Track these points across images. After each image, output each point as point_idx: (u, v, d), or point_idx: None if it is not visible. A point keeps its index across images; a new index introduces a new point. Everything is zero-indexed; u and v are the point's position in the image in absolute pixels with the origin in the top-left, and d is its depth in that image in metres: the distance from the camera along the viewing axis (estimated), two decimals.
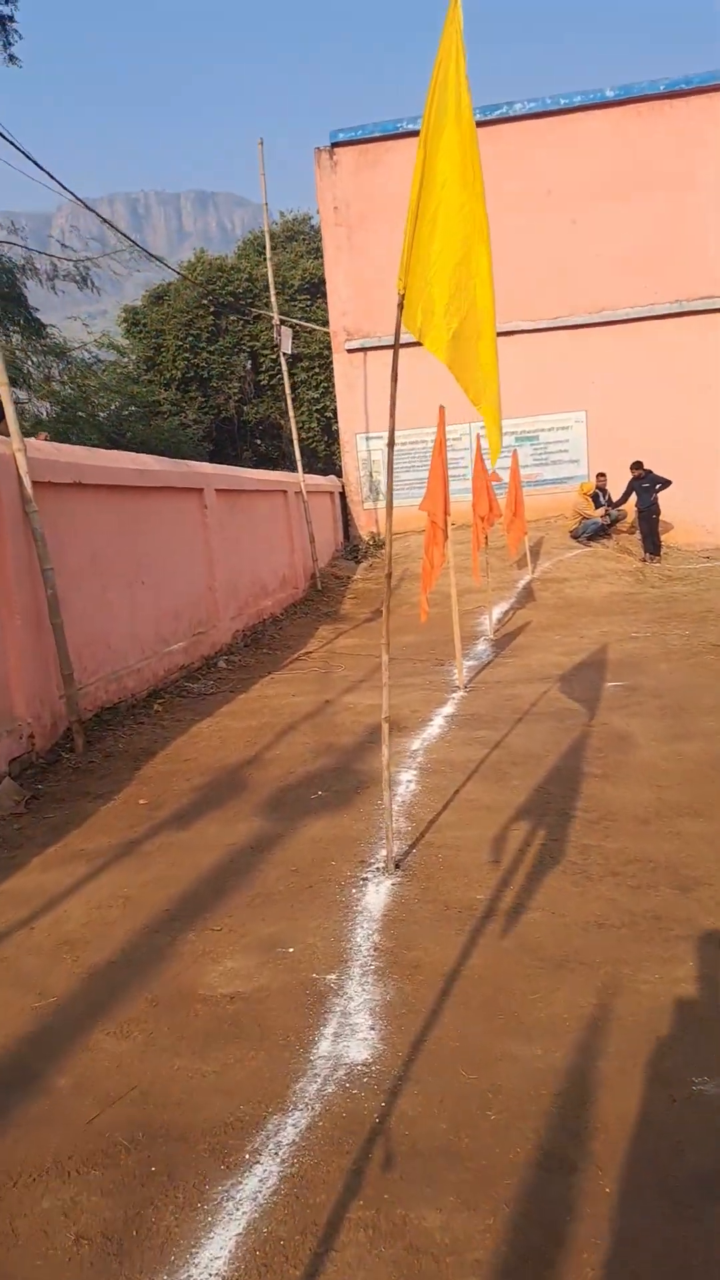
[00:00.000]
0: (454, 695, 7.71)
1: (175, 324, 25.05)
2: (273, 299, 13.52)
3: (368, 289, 17.36)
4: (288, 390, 13.96)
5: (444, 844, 4.55)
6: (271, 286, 13.47)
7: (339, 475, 18.24)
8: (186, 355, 24.63)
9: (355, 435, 17.81)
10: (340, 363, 17.71)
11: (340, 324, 17.55)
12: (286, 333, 13.47)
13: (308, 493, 15.03)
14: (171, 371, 24.92)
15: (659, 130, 16.23)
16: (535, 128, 16.57)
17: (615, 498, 16.18)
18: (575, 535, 15.96)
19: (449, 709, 7.24)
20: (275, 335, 13.36)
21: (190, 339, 24.60)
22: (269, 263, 13.61)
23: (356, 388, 17.62)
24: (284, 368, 13.78)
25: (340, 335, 17.57)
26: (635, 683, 7.71)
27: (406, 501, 18.27)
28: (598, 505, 16.06)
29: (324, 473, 19.30)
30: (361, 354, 17.49)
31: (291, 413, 14.25)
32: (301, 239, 28.85)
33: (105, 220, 12.81)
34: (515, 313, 16.99)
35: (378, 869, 4.29)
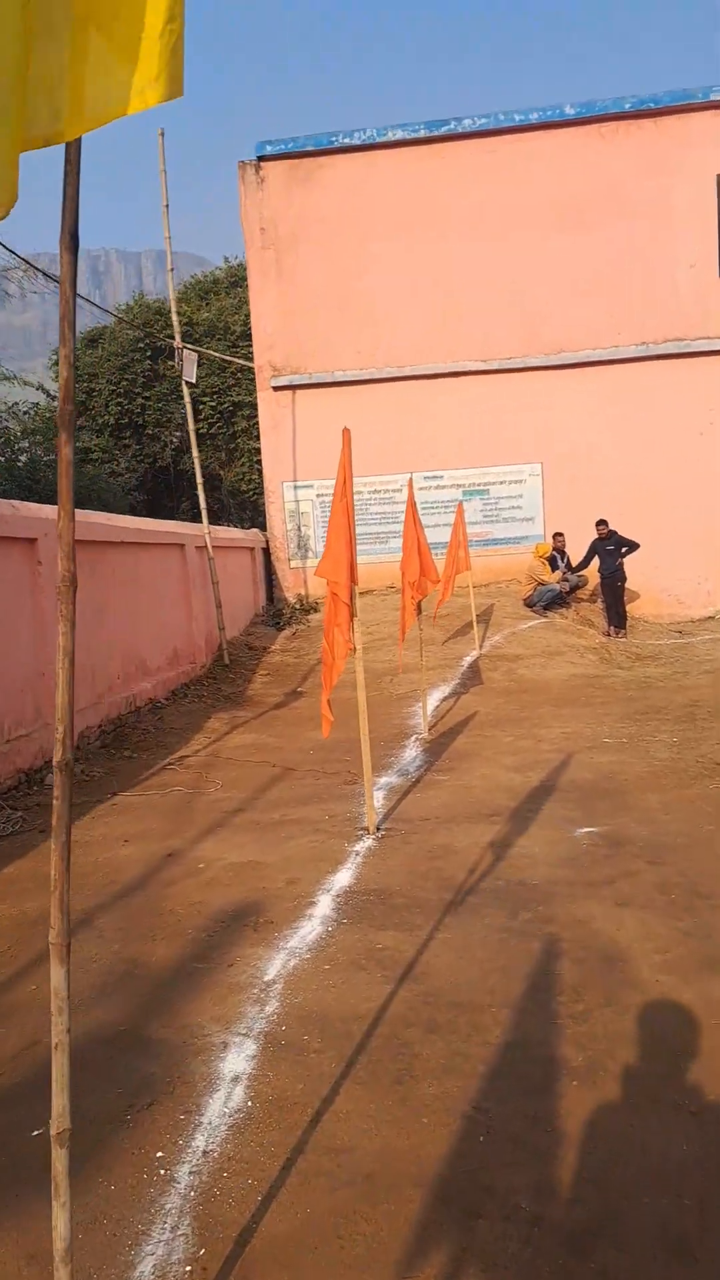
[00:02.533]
0: (358, 846, 5.32)
1: (110, 368, 23.40)
2: (174, 317, 11.31)
3: (297, 319, 15.29)
4: (190, 422, 11.71)
5: None
6: (172, 301, 11.26)
7: (264, 529, 15.97)
8: (120, 400, 22.97)
9: (281, 483, 15.59)
10: (266, 402, 15.54)
11: (265, 358, 15.43)
12: (190, 357, 11.28)
13: (222, 548, 12.71)
14: (104, 417, 23.25)
15: (625, 153, 14.50)
16: (487, 146, 14.76)
17: (575, 561, 14.10)
18: (530, 603, 13.81)
19: (345, 877, 4.83)
20: (176, 361, 11.13)
21: (124, 383, 22.89)
22: (169, 277, 11.41)
23: (283, 429, 15.45)
24: (186, 396, 11.53)
25: (265, 371, 15.44)
26: (617, 829, 5.39)
27: None
28: (555, 569, 13.96)
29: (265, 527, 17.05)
30: (290, 392, 15.35)
31: (196, 451, 11.99)
32: (245, 286, 27.28)
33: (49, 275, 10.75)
34: (465, 351, 15.02)
35: None
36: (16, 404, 22.65)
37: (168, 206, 11.56)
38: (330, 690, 5.32)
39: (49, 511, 7.05)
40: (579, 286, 14.83)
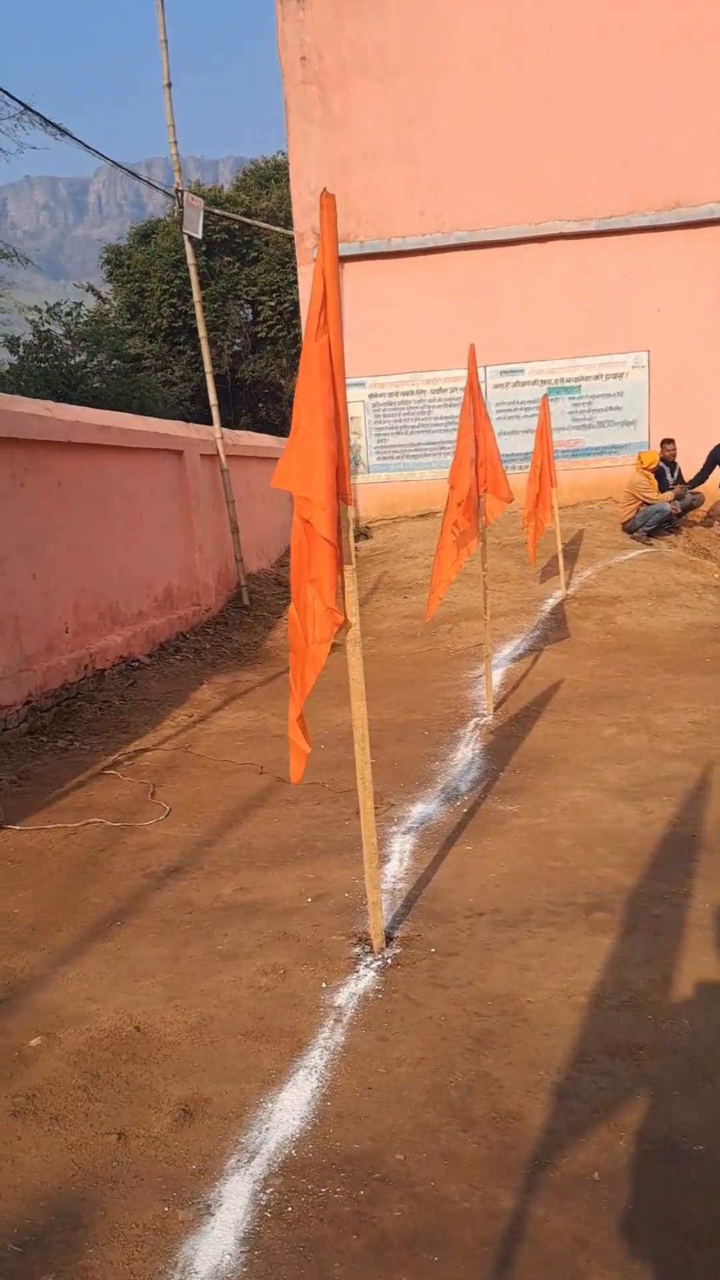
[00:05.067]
0: (342, 996, 2.86)
1: (161, 265, 20.99)
2: (171, 147, 8.59)
3: (346, 173, 12.40)
4: (196, 289, 9.09)
5: None
6: (168, 107, 8.45)
7: None
8: (173, 302, 20.61)
9: None
10: (307, 279, 12.78)
11: (307, 222, 12.62)
12: (195, 204, 8.66)
13: (244, 458, 10.24)
14: (157, 320, 20.99)
15: None
16: None
17: (689, 475, 11.20)
18: (632, 529, 11.02)
19: (295, 1110, 2.38)
20: (175, 208, 8.53)
21: (178, 282, 20.50)
22: (167, 105, 8.65)
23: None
24: (189, 258, 8.90)
25: (306, 239, 12.64)
26: None
27: (399, 475, 13.48)
28: (664, 486, 11.10)
29: None
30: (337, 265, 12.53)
31: (201, 320, 9.40)
32: None
33: (142, 179, 8.31)
34: (552, 210, 11.98)
35: None
36: (59, 304, 20.52)
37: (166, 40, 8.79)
38: (303, 699, 2.87)
39: None
40: (698, 125, 11.58)
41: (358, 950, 3.01)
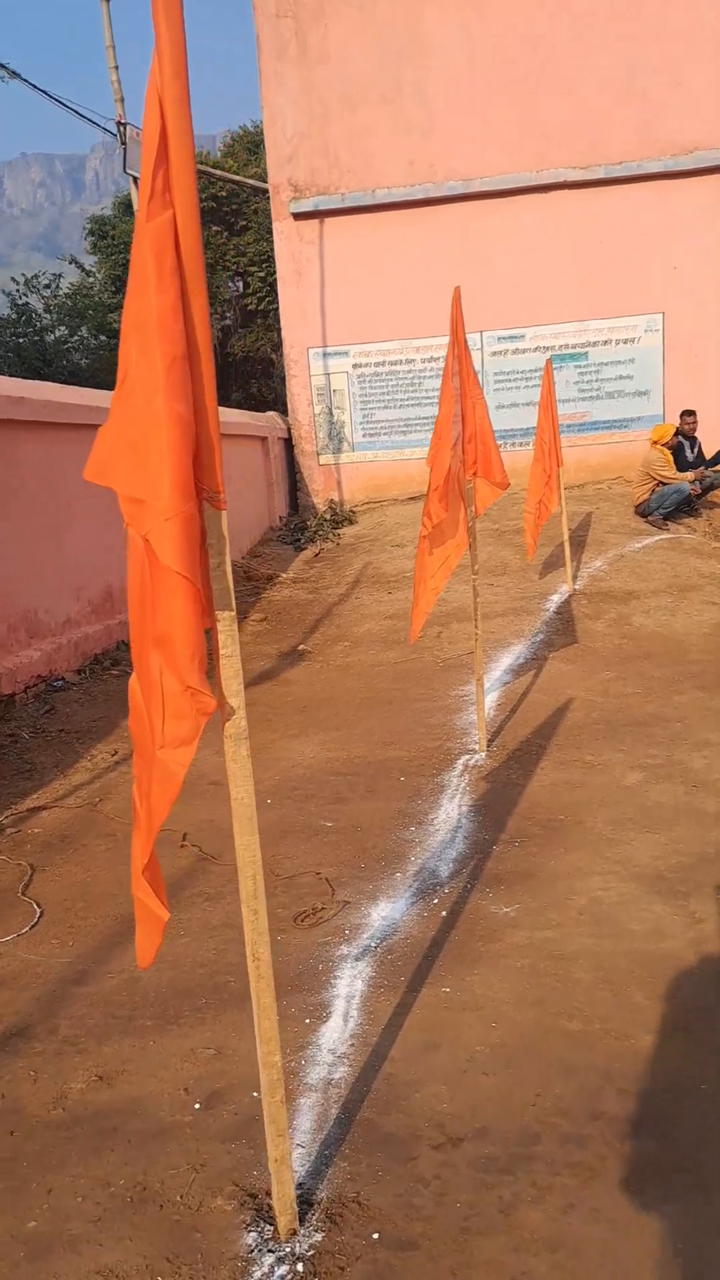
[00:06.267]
0: None
1: None
2: (111, 69, 7.30)
3: (326, 118, 11.11)
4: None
5: None
6: (107, 28, 7.15)
7: (285, 413, 12.14)
8: None
9: (306, 350, 11.67)
10: (284, 236, 11.51)
11: (283, 174, 11.33)
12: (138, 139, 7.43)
13: (227, 435, 9.01)
14: None
15: None
16: None
17: (710, 450, 9.99)
18: (646, 512, 9.82)
19: None
20: (118, 147, 7.30)
21: None
22: (106, 29, 7.36)
23: (308, 274, 11.44)
24: (133, 196, 7.68)
25: (283, 191, 11.36)
26: None
27: (386, 453, 12.23)
28: (682, 464, 9.89)
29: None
30: (316, 221, 11.29)
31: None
32: None
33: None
34: (556, 156, 10.71)
35: None
36: (36, 276, 19.51)
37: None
38: (151, 836, 1.67)
39: None
40: (716, 60, 10.29)
41: (251, 1239, 1.84)
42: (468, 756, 4.81)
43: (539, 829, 3.84)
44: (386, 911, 3.20)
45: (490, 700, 5.78)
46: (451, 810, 4.10)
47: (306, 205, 11.19)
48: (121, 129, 7.37)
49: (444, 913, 3.17)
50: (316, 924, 3.12)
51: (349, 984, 2.75)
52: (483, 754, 4.83)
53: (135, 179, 7.52)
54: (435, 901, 3.25)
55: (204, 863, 3.70)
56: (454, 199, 10.94)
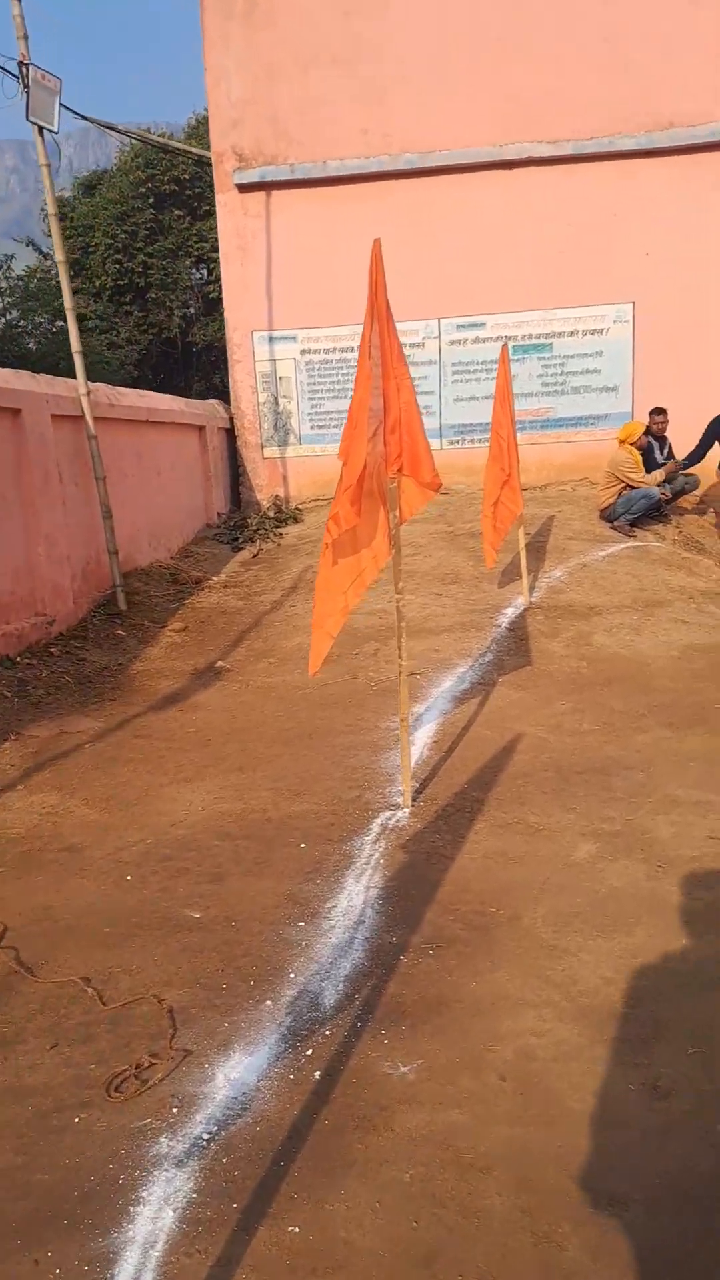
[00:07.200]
0: None
1: (106, 218, 19.26)
2: (15, 8, 6.37)
3: (274, 82, 10.20)
4: (51, 201, 6.86)
5: None
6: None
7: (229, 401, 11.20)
8: (119, 258, 18.96)
9: (250, 334, 10.75)
10: (227, 209, 10.59)
11: (227, 141, 10.40)
12: (50, 85, 6.48)
13: (133, 422, 8.15)
14: (101, 278, 19.34)
15: None
16: None
17: (682, 451, 9.21)
18: (612, 517, 9.02)
19: None
20: (19, 88, 6.34)
21: (124, 236, 18.94)
22: None
23: (253, 251, 10.53)
24: (41, 156, 6.70)
25: (226, 160, 10.43)
26: None
27: (337, 446, 11.33)
28: (651, 465, 9.11)
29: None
30: (263, 194, 10.38)
31: (60, 249, 7.23)
32: None
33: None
34: (522, 129, 9.88)
35: None
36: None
37: None
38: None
39: None
40: (701, 26, 9.50)
41: None
42: (388, 814, 3.96)
43: (462, 928, 2.99)
44: (239, 1072, 2.33)
45: (425, 735, 4.94)
46: (356, 896, 3.24)
47: (252, 176, 10.27)
48: (25, 69, 6.40)
49: (318, 1073, 2.31)
50: (137, 1093, 2.25)
51: (153, 1217, 1.87)
52: (406, 810, 3.98)
53: (40, 128, 6.55)
54: (309, 1054, 2.39)
55: (16, 975, 2.81)
56: (411, 173, 10.07)
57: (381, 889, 3.29)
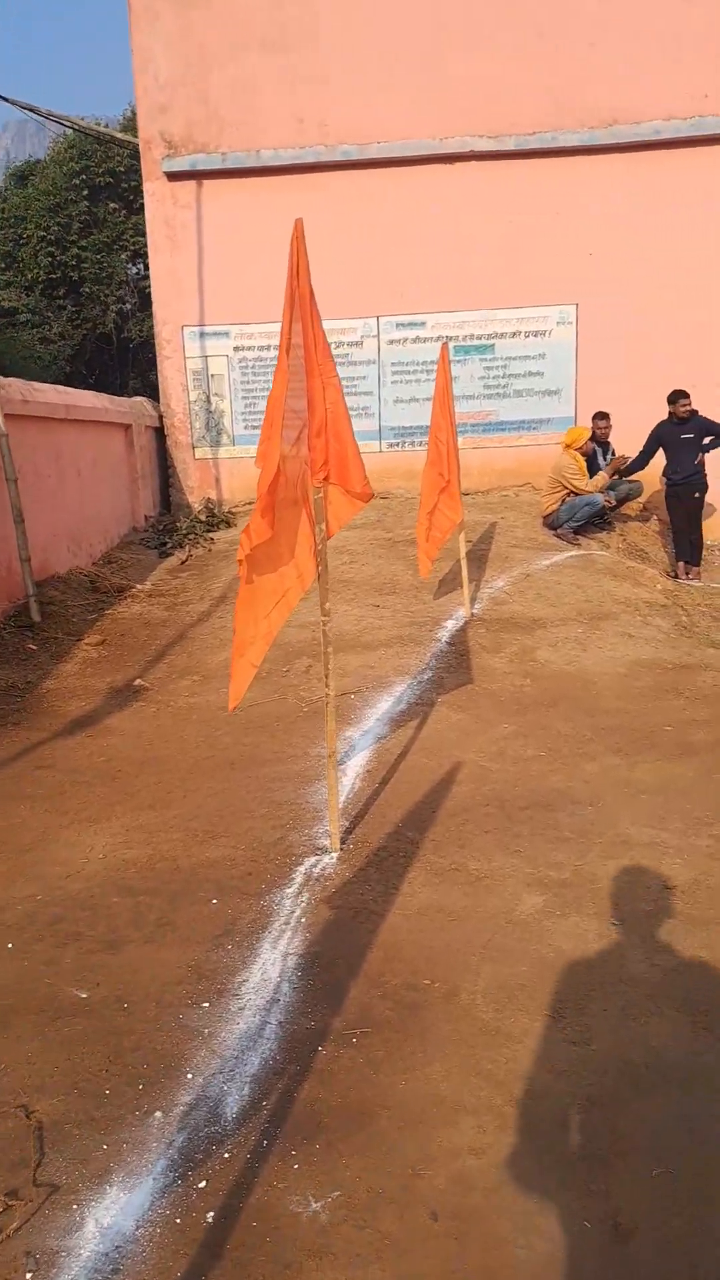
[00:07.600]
0: None
1: (39, 209, 18.62)
2: None
3: (205, 66, 9.72)
4: None
5: None
6: None
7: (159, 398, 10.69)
8: (52, 250, 18.35)
9: (181, 329, 10.26)
10: (156, 199, 10.09)
11: (155, 127, 9.90)
12: None
13: (51, 420, 7.65)
14: (34, 271, 18.70)
15: None
16: None
17: (626, 457, 8.96)
18: (555, 524, 8.74)
19: None
20: None
21: (56, 229, 18.35)
22: None
23: (183, 242, 10.04)
24: None
25: (155, 147, 9.93)
26: None
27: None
28: (595, 470, 8.85)
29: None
30: (193, 183, 9.90)
31: None
32: None
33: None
34: (463, 122, 9.57)
35: None
36: None
37: None
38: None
39: None
40: (643, 23, 9.28)
41: None
42: (314, 859, 3.56)
43: (392, 1008, 2.60)
44: (115, 1215, 1.90)
45: (357, 764, 4.55)
46: (271, 967, 2.83)
47: (182, 164, 9.78)
48: None
49: (211, 1214, 1.90)
50: None
51: None
52: (334, 854, 3.59)
53: None
54: (202, 1186, 1.98)
55: None
56: (348, 165, 9.68)
57: (301, 956, 2.88)
